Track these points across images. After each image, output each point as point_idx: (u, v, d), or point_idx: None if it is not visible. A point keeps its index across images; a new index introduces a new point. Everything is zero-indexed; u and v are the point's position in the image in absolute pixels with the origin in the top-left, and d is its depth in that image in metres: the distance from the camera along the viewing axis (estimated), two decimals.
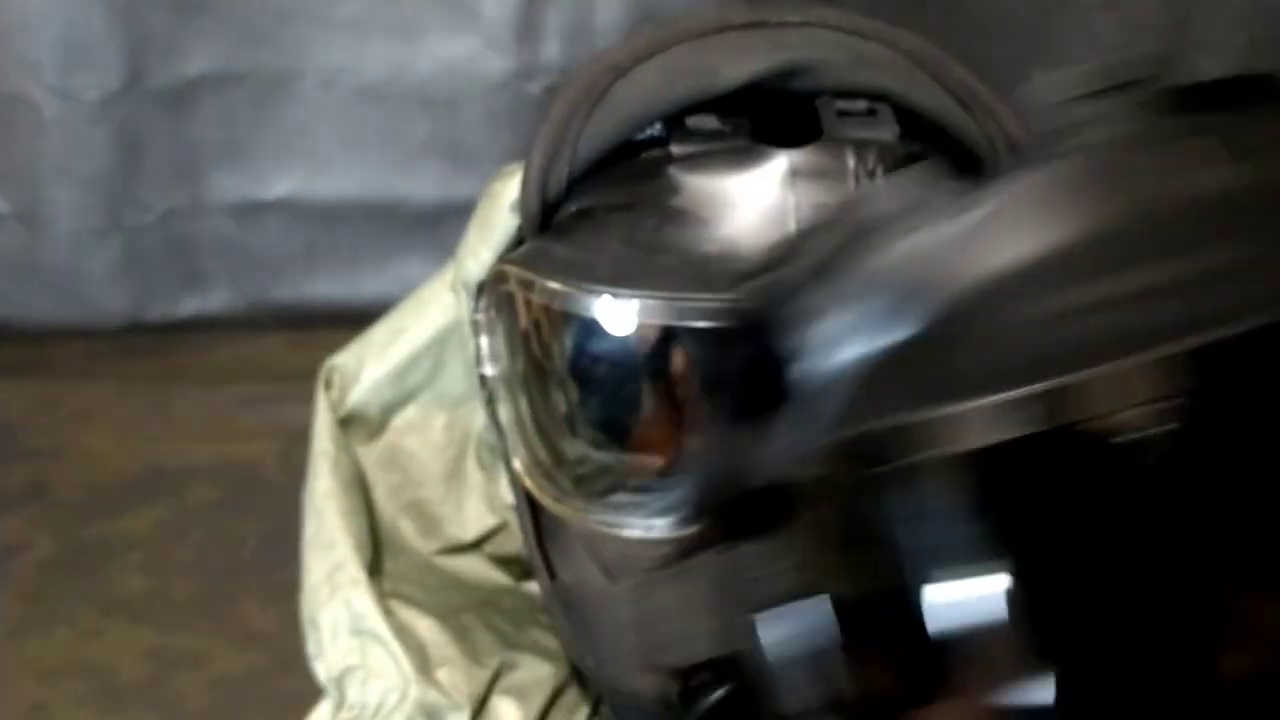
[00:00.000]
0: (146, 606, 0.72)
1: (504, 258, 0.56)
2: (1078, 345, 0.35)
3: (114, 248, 0.99)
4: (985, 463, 0.36)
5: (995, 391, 0.35)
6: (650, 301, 0.50)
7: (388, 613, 0.59)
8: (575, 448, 0.58)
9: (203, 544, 0.77)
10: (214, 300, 1.03)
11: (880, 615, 0.40)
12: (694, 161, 0.52)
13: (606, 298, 0.50)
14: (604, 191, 0.54)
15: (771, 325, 0.41)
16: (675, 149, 0.52)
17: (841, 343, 0.39)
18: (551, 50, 0.94)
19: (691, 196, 0.51)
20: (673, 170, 0.52)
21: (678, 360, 0.55)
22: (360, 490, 0.65)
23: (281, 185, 0.99)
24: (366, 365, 0.67)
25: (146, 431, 0.88)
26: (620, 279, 0.50)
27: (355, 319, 0.77)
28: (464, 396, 0.68)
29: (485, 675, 0.59)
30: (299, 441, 0.68)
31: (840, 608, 0.40)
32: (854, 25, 0.57)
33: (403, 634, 0.58)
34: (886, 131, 0.53)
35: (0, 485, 0.82)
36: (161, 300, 1.02)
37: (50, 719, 0.64)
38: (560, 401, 0.58)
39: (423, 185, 0.99)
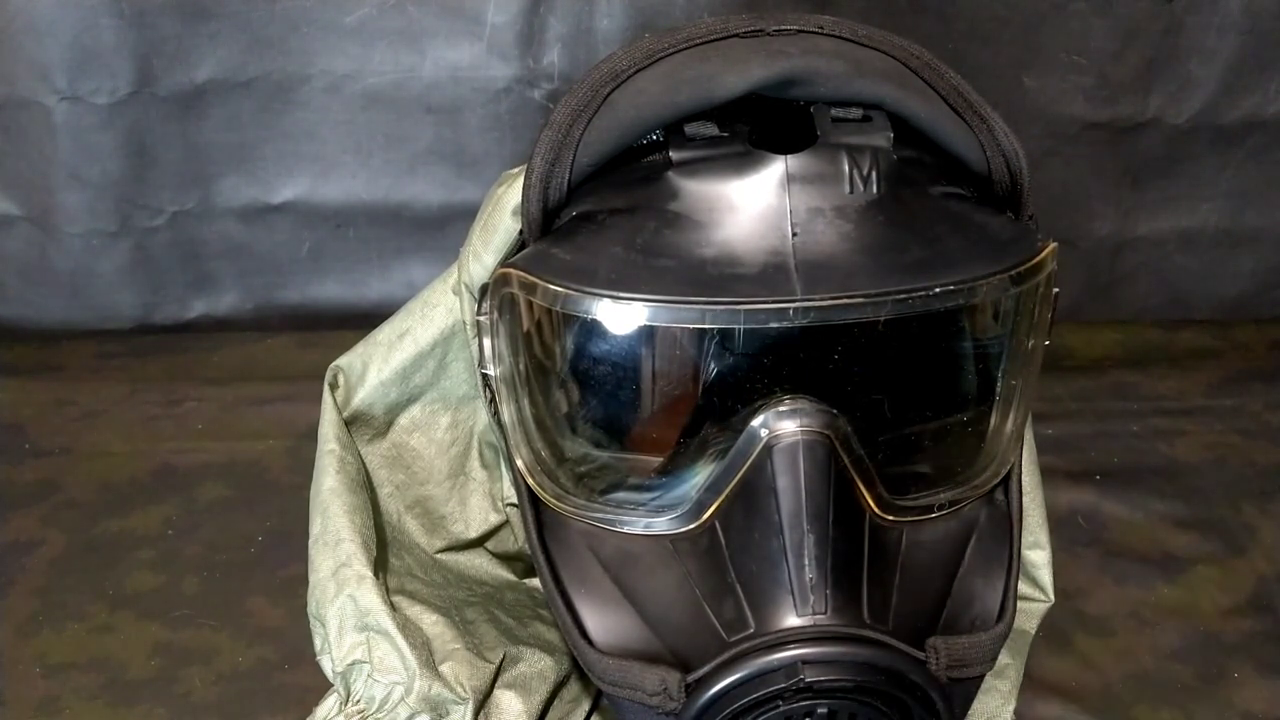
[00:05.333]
0: (156, 602, 0.72)
1: (506, 261, 0.57)
2: None
3: (124, 250, 1.00)
4: None
5: None
6: (649, 304, 0.50)
7: (393, 608, 0.60)
8: (576, 447, 0.59)
9: (211, 541, 0.78)
10: (222, 302, 1.04)
11: None
12: (692, 167, 0.52)
13: (607, 300, 0.51)
14: (605, 196, 0.55)
15: None
16: (674, 154, 0.53)
17: None
18: (553, 57, 0.94)
19: (690, 201, 0.52)
20: (672, 175, 0.53)
21: (675, 360, 0.56)
22: (366, 488, 0.66)
23: (289, 189, 1.00)
24: (371, 366, 0.67)
25: (156, 431, 0.89)
26: (620, 282, 0.51)
27: (361, 320, 0.78)
28: (467, 396, 0.69)
29: (489, 669, 0.60)
30: (306, 440, 0.68)
31: None
32: (851, 33, 0.57)
33: (408, 629, 0.59)
34: (880, 137, 0.53)
35: (12, 483, 0.83)
36: (171, 302, 1.03)
37: (60, 713, 0.65)
38: (561, 401, 0.59)
39: (427, 189, 1.00)
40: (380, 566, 0.63)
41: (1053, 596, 0.68)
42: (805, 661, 0.48)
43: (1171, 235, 1.05)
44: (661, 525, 0.56)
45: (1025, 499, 0.62)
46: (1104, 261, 1.05)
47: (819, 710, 0.49)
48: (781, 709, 0.49)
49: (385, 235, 1.02)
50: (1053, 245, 0.55)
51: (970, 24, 0.94)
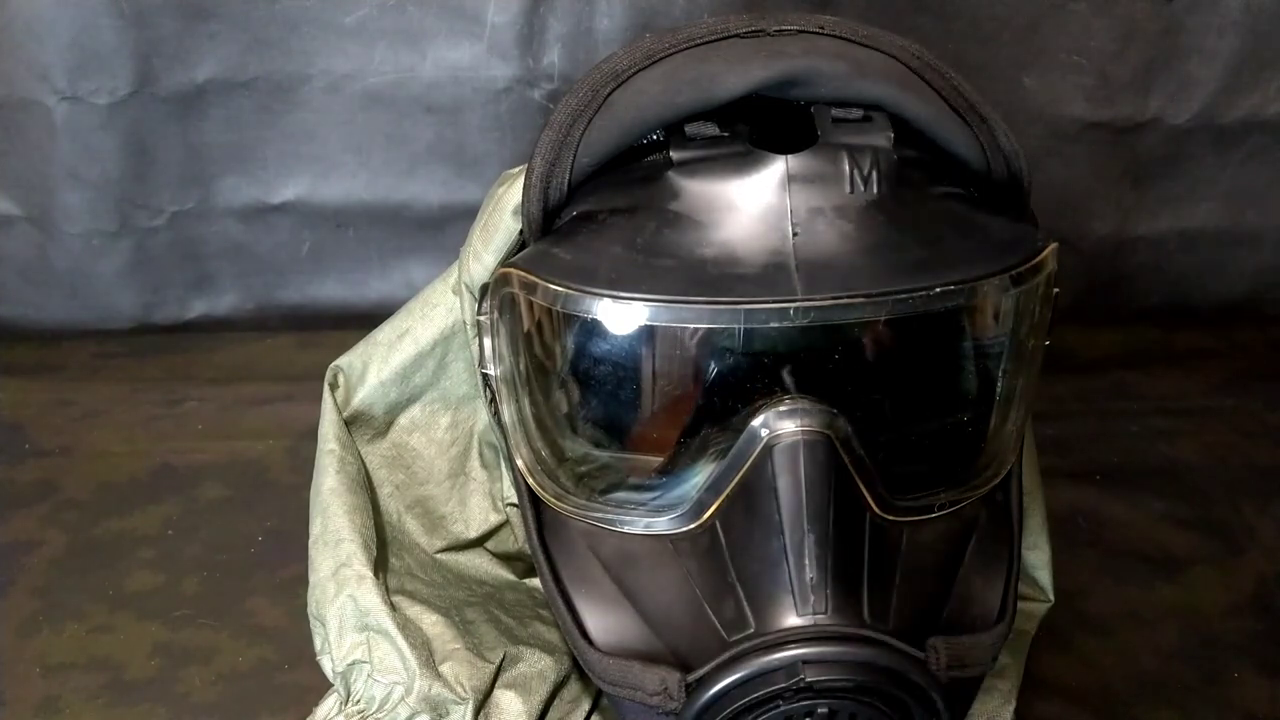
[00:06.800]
0: (156, 602, 0.72)
1: (507, 261, 0.57)
2: None
3: (124, 250, 1.00)
4: None
5: None
6: (650, 304, 0.50)
7: (393, 608, 0.60)
8: (576, 446, 0.59)
9: (211, 541, 0.77)
10: (222, 302, 1.04)
11: None
12: (693, 166, 0.52)
13: (607, 300, 0.51)
14: (605, 196, 0.55)
15: None
16: (675, 154, 0.53)
17: None
18: (553, 57, 0.94)
19: (690, 201, 0.52)
20: (672, 175, 0.53)
21: (675, 360, 0.56)
22: (366, 488, 0.66)
23: (288, 189, 1.00)
24: (371, 366, 0.67)
25: (156, 431, 0.89)
26: (620, 282, 0.51)
27: (361, 320, 0.78)
28: (467, 396, 0.69)
29: (489, 669, 0.60)
30: (306, 440, 0.68)
31: None
32: (852, 33, 0.57)
33: (408, 629, 0.59)
34: (881, 137, 0.53)
35: (12, 483, 0.83)
36: (171, 302, 1.03)
37: (60, 713, 0.64)
38: (562, 401, 0.59)
39: (427, 189, 1.00)
40: (380, 566, 0.63)
41: (1053, 596, 0.68)
42: (805, 661, 0.48)
43: (1171, 235, 1.05)
44: (662, 525, 0.56)
45: (1025, 499, 0.62)
46: (1104, 261, 1.05)
47: (819, 710, 0.49)
48: (782, 709, 0.49)
49: (385, 235, 1.02)
50: (1053, 245, 0.55)
51: (970, 24, 0.94)
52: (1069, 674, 0.68)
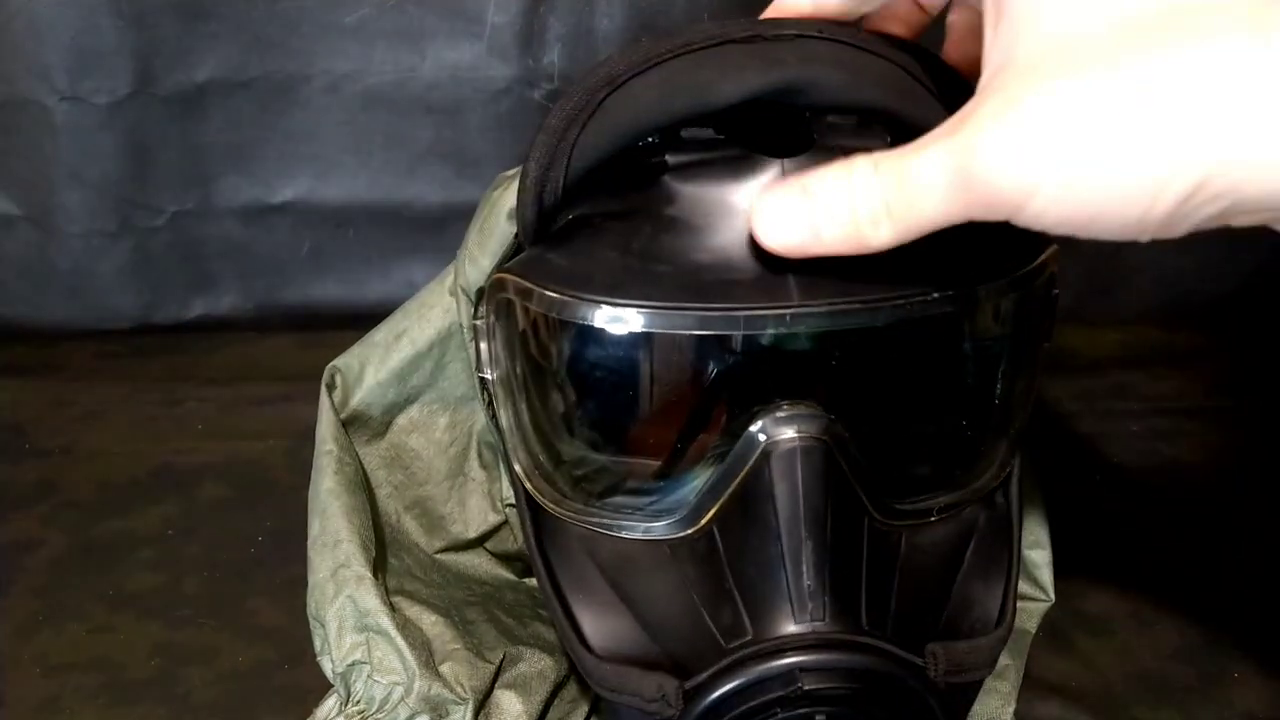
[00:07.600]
0: (156, 602, 0.72)
1: (502, 266, 0.57)
2: None
3: (124, 250, 1.00)
4: None
5: None
6: (645, 310, 0.50)
7: (392, 609, 0.60)
8: (573, 451, 0.59)
9: (211, 541, 0.78)
10: (222, 302, 1.04)
11: None
12: (689, 171, 0.52)
13: (603, 307, 0.51)
14: (600, 200, 0.55)
15: None
16: (670, 158, 0.53)
17: None
18: (553, 57, 0.94)
19: (686, 205, 0.52)
20: (668, 179, 0.52)
21: (672, 366, 0.56)
22: (364, 489, 0.66)
23: (288, 189, 1.00)
24: (369, 367, 0.67)
25: (156, 431, 0.89)
26: (616, 287, 0.50)
27: (361, 320, 0.78)
28: (465, 396, 0.69)
29: (489, 669, 0.60)
30: (306, 440, 0.68)
31: None
32: (850, 38, 0.57)
33: (407, 630, 0.59)
34: (877, 141, 0.53)
35: (12, 483, 0.83)
36: (171, 302, 1.03)
37: (60, 713, 0.64)
38: (558, 405, 0.58)
39: (427, 190, 1.00)
40: (379, 567, 0.63)
41: (1053, 596, 0.67)
42: (803, 669, 0.48)
43: None
44: (659, 530, 0.55)
45: (1025, 499, 0.62)
46: (1104, 261, 1.05)
47: (817, 717, 0.49)
48: (780, 716, 0.49)
49: (385, 235, 1.02)
50: (1053, 249, 0.55)
51: None
52: (1069, 674, 0.68)
